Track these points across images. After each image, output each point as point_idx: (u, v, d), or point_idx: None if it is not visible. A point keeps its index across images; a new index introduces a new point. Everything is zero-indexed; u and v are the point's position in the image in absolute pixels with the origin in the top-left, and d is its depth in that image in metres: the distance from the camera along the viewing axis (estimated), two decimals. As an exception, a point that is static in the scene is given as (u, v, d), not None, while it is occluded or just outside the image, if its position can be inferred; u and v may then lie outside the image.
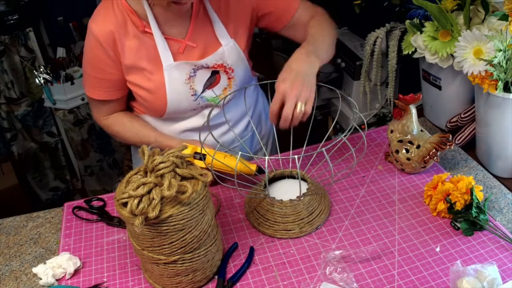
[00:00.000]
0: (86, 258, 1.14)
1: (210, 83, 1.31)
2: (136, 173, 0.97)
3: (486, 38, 1.18)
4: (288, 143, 1.27)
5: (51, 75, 2.40)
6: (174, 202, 0.92)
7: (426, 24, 1.34)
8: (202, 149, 1.22)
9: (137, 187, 0.90)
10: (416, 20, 1.40)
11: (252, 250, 1.10)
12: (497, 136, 1.22)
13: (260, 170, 1.22)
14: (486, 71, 1.17)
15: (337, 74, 1.98)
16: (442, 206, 1.11)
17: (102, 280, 1.08)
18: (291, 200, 1.13)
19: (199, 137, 1.16)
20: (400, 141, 1.25)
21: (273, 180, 1.23)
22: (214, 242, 1.02)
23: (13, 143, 2.61)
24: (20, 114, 2.56)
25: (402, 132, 1.25)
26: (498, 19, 1.22)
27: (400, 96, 1.22)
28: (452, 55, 1.29)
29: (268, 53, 2.28)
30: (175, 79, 1.27)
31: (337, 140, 1.09)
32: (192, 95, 1.30)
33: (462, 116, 1.37)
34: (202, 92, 1.31)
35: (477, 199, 1.08)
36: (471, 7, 1.29)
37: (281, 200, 1.14)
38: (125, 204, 0.92)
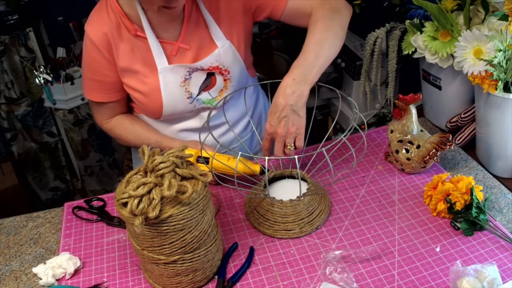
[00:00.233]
0: (86, 258, 1.14)
1: (206, 86, 1.31)
2: (136, 173, 0.97)
3: (486, 38, 1.18)
4: (288, 143, 1.27)
5: (51, 75, 2.40)
6: (174, 202, 0.92)
7: (426, 24, 1.34)
8: (204, 151, 1.22)
9: (137, 187, 0.90)
10: (416, 20, 1.40)
11: (252, 250, 1.10)
12: (497, 136, 1.22)
13: (263, 171, 1.22)
14: (486, 71, 1.17)
15: (337, 74, 1.98)
16: (442, 206, 1.11)
17: (102, 280, 1.08)
18: (291, 200, 1.13)
19: (199, 138, 1.16)
20: (400, 141, 1.25)
21: (273, 180, 1.23)
22: (214, 242, 1.02)
23: (13, 143, 2.61)
24: (20, 114, 2.56)
25: (402, 132, 1.25)
26: (498, 19, 1.22)
27: (400, 96, 1.22)
28: (452, 55, 1.29)
29: (268, 53, 2.27)
30: (170, 82, 1.27)
31: (337, 140, 1.09)
32: (188, 98, 1.30)
33: (462, 116, 1.37)
34: (198, 94, 1.31)
35: (477, 199, 1.08)
36: (471, 7, 1.29)
37: (281, 200, 1.14)
38: (125, 204, 0.92)
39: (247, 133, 1.46)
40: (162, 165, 0.92)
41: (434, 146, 1.19)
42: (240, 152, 1.05)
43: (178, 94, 1.29)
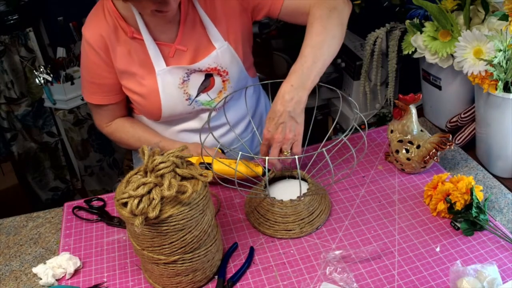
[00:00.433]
0: (86, 258, 1.14)
1: (205, 87, 1.31)
2: (136, 173, 0.97)
3: (486, 38, 1.18)
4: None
5: (51, 75, 2.40)
6: (174, 202, 0.92)
7: (426, 24, 1.34)
8: (204, 151, 1.22)
9: (137, 187, 0.90)
10: (416, 20, 1.40)
11: (252, 250, 1.10)
12: (497, 136, 1.22)
13: (265, 173, 1.22)
14: (486, 71, 1.17)
15: (337, 74, 1.98)
16: (442, 206, 1.11)
17: (102, 280, 1.08)
18: (291, 200, 1.13)
19: (199, 138, 1.16)
20: (400, 141, 1.25)
21: (274, 180, 1.23)
22: (214, 242, 1.02)
23: (13, 143, 2.61)
24: (20, 114, 2.56)
25: (402, 132, 1.25)
26: (498, 19, 1.22)
27: (400, 96, 1.22)
28: (452, 55, 1.29)
29: (268, 53, 2.27)
30: (168, 84, 1.27)
31: (338, 140, 1.09)
32: (187, 100, 1.30)
33: (462, 116, 1.37)
34: (197, 96, 1.31)
35: (477, 199, 1.08)
36: (471, 7, 1.29)
37: (282, 200, 1.14)
38: (125, 204, 0.92)
39: (247, 134, 1.45)
40: (162, 165, 0.92)
41: (434, 146, 1.19)
42: (240, 152, 1.05)
43: (176, 96, 1.29)
